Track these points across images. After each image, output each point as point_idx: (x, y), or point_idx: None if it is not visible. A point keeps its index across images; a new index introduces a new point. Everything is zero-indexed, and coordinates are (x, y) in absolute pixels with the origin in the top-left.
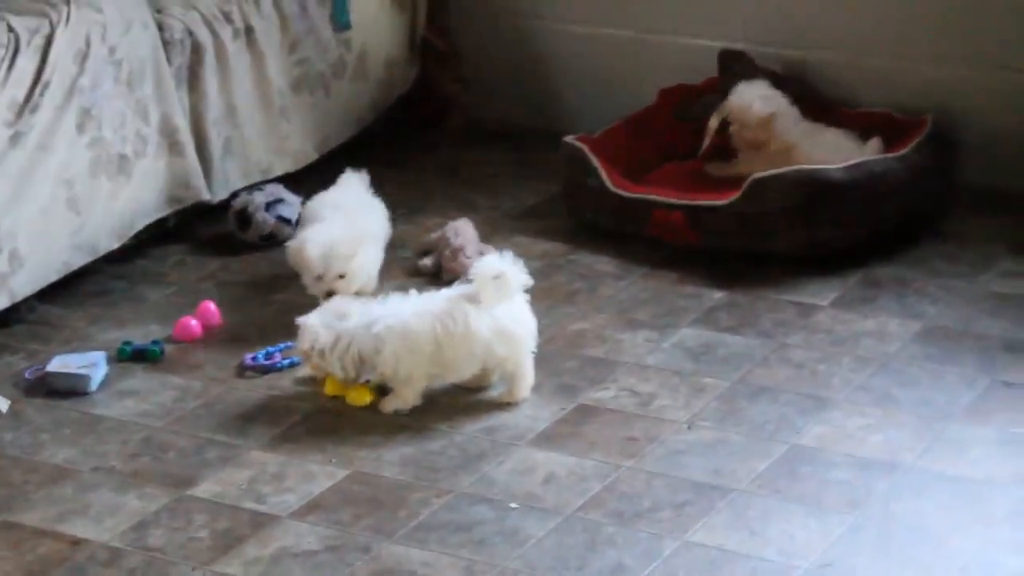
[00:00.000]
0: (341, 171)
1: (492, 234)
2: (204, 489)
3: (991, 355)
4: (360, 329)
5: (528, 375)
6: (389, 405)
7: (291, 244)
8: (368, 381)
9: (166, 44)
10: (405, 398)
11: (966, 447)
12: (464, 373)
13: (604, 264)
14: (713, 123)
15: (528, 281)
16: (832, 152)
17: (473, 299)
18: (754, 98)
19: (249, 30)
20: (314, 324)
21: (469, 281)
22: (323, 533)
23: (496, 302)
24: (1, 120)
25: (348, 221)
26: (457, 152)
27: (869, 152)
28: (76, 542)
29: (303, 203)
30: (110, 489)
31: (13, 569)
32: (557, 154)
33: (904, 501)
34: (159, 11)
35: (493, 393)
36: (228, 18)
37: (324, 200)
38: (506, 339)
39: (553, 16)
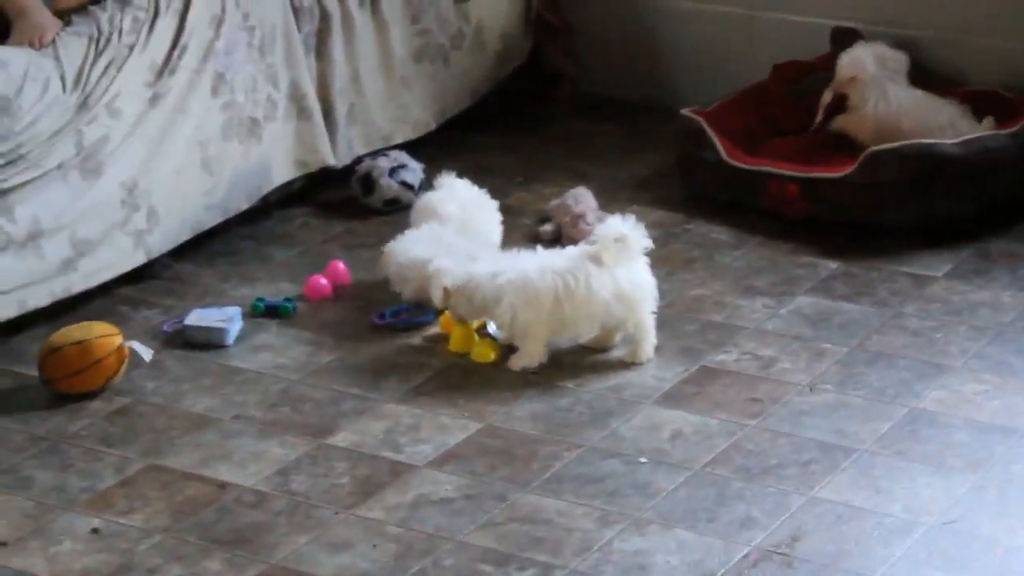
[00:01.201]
0: (459, 140)
1: (608, 203)
2: (342, 438)
3: None
4: (485, 276)
5: (650, 336)
6: (517, 362)
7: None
8: (492, 334)
9: (296, 11)
10: (531, 355)
11: None
12: (583, 332)
13: (719, 233)
14: (826, 98)
15: (649, 244)
16: (944, 124)
17: (596, 259)
18: (850, 57)
19: (375, 0)
20: (447, 265)
21: (592, 243)
22: (459, 482)
23: (617, 263)
24: (141, 81)
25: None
26: (569, 124)
27: (983, 129)
28: (222, 485)
29: (425, 170)
30: (251, 437)
31: (165, 508)
32: (667, 127)
33: (1023, 463)
34: None
35: (617, 353)
36: None
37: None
38: (625, 301)
39: None
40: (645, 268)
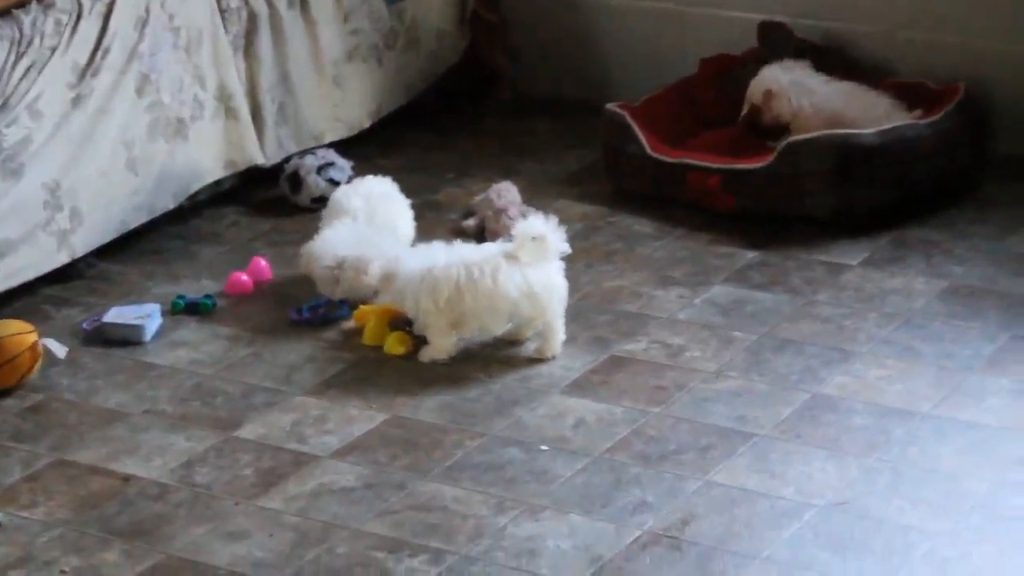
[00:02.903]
0: (393, 139)
1: (535, 197)
2: (249, 431)
3: (1013, 312)
4: (402, 267)
5: (559, 334)
6: (425, 355)
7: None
8: (408, 329)
9: (223, 12)
10: (439, 348)
11: (983, 397)
12: (489, 327)
13: (642, 226)
14: (753, 93)
15: (566, 249)
16: (881, 115)
17: (511, 256)
18: (758, 77)
19: (303, 0)
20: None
21: (510, 239)
22: (361, 472)
23: (532, 262)
24: (64, 82)
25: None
26: (504, 121)
27: (909, 119)
28: (126, 479)
29: (353, 168)
30: (160, 430)
31: (68, 501)
32: (598, 123)
33: (920, 445)
34: None
35: (527, 350)
36: None
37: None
38: (534, 301)
39: None
40: (559, 271)
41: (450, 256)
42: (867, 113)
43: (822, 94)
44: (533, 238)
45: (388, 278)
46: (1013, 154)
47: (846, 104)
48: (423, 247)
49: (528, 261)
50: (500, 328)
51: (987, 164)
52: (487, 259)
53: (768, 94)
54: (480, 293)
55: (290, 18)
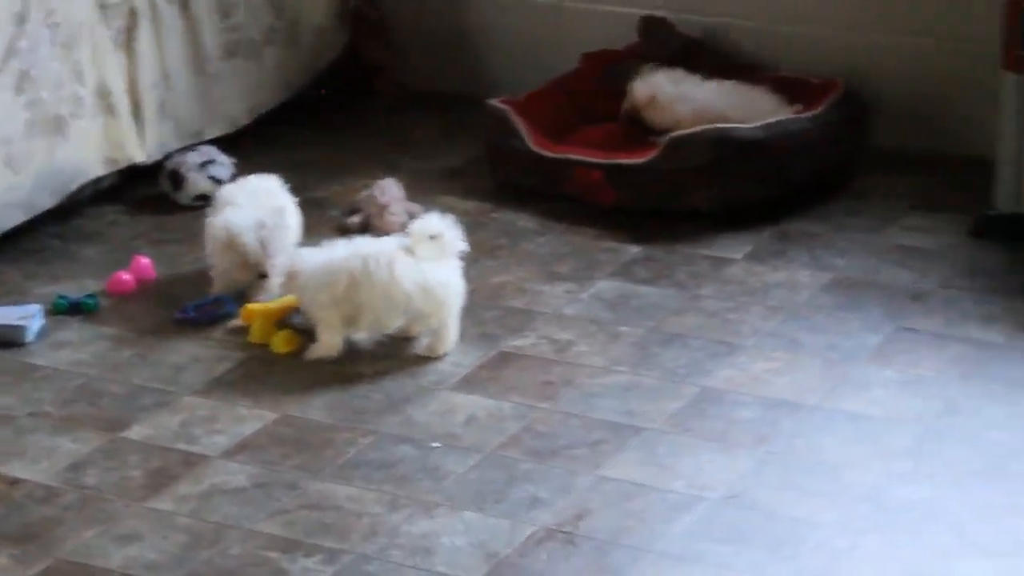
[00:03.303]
0: (273, 135)
1: (418, 194)
2: (137, 432)
3: (896, 303)
4: (301, 261)
5: (452, 333)
6: (312, 353)
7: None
8: (295, 327)
9: (103, 8)
10: (326, 344)
11: (868, 388)
12: (384, 320)
13: (526, 221)
14: (634, 96)
15: (464, 247)
16: (766, 111)
17: (408, 251)
18: (640, 81)
19: None
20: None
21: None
22: (252, 471)
23: (429, 260)
24: None
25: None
26: (386, 117)
27: (791, 114)
28: (13, 482)
29: (235, 165)
30: (46, 433)
31: None
32: (481, 118)
33: (807, 437)
34: None
35: (419, 345)
36: None
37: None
38: (430, 297)
39: None
40: (457, 269)
41: (348, 249)
42: (750, 111)
43: (703, 99)
44: (431, 236)
45: (292, 275)
46: (884, 146)
47: (729, 104)
48: (325, 244)
49: (425, 258)
50: (395, 323)
51: (865, 157)
52: (384, 251)
53: (650, 101)
54: (376, 284)
55: (170, 14)
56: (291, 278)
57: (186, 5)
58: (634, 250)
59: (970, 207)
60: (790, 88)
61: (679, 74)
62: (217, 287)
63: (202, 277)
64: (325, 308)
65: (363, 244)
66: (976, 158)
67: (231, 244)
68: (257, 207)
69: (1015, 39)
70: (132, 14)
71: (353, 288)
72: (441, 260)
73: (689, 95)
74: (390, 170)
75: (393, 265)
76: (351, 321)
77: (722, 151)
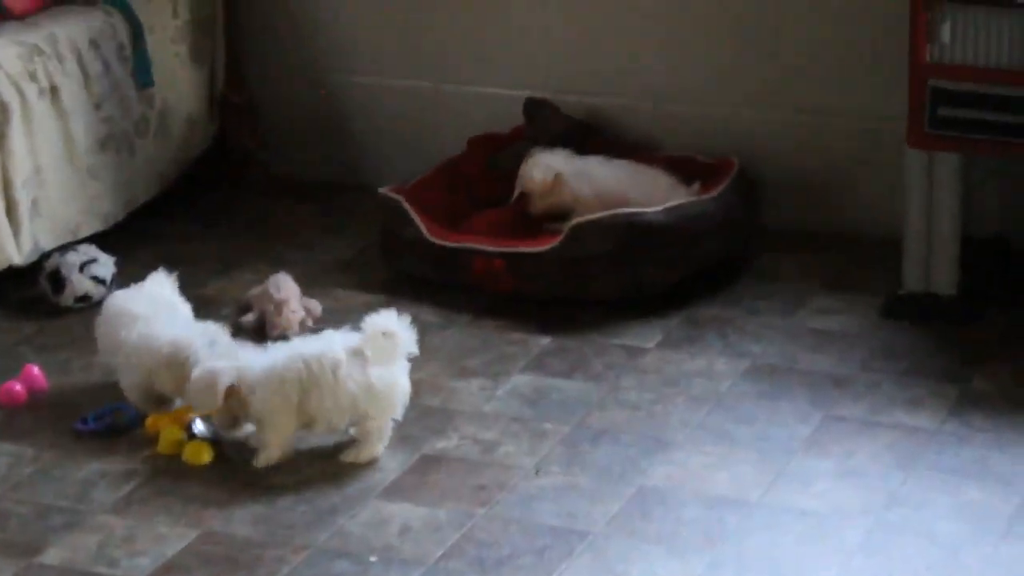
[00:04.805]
0: (151, 231)
1: (311, 287)
2: (53, 555)
3: (820, 390)
4: (250, 370)
5: (384, 440)
6: (262, 459)
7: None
8: (205, 438)
9: None
10: (277, 449)
11: (809, 481)
12: (336, 424)
13: (427, 314)
14: (525, 181)
15: (414, 349)
16: (664, 191)
17: (357, 352)
18: (534, 164)
19: (55, 89)
20: (221, 364)
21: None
22: None
23: (381, 359)
24: None
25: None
26: (262, 207)
27: (690, 195)
28: None
29: (117, 263)
30: None
31: None
32: (364, 206)
33: (757, 536)
34: None
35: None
36: (33, 77)
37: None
38: (375, 400)
39: (350, 69)
40: (404, 371)
41: (288, 351)
42: (649, 192)
43: (602, 178)
44: (383, 333)
45: (236, 388)
46: (785, 226)
47: (628, 185)
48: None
49: (375, 358)
50: (343, 425)
51: (765, 237)
52: (325, 352)
53: (555, 180)
54: (324, 388)
55: (41, 108)
56: (235, 391)
57: (56, 98)
58: (543, 341)
59: (879, 287)
60: (681, 168)
61: (568, 155)
62: (134, 401)
63: (97, 384)
64: (278, 413)
65: (302, 345)
66: (880, 237)
67: (174, 362)
68: (174, 320)
69: (919, 116)
70: (4, 110)
71: (303, 394)
72: (391, 360)
73: (591, 174)
74: (277, 264)
75: (337, 368)
76: (308, 425)
77: (627, 237)
